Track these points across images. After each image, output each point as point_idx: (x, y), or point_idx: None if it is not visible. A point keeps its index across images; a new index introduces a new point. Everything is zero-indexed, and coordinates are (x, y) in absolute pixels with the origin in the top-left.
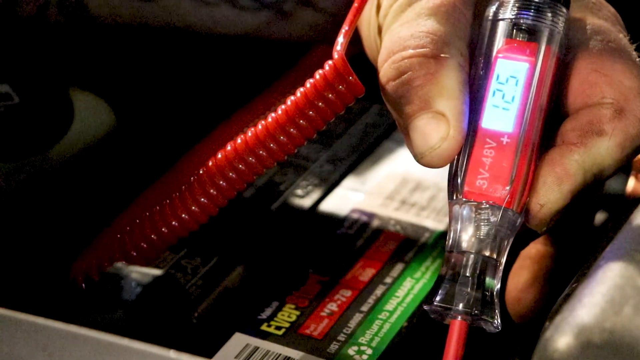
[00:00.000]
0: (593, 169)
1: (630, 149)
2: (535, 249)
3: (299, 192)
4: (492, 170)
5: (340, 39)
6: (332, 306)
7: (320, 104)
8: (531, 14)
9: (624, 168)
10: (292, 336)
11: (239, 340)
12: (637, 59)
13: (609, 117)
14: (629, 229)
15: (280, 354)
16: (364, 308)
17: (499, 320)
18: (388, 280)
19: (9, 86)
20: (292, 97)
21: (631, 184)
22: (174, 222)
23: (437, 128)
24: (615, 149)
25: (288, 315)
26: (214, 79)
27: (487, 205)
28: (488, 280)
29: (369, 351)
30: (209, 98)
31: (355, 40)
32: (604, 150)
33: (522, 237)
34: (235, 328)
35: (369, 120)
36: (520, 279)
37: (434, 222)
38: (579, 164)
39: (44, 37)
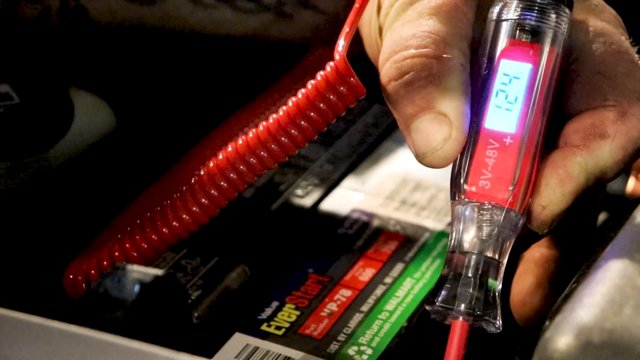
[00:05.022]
0: (595, 171)
1: (632, 152)
2: (539, 252)
3: (299, 192)
4: (495, 171)
5: (342, 41)
6: (332, 306)
7: (321, 105)
8: (535, 14)
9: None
10: (292, 336)
11: (239, 340)
12: (639, 62)
13: (612, 119)
14: (629, 229)
15: (280, 354)
16: (364, 308)
17: (501, 321)
18: (388, 280)
19: (9, 86)
20: (294, 98)
21: (631, 184)
22: (174, 223)
23: (439, 129)
24: (618, 152)
25: (288, 315)
26: (214, 80)
27: (490, 206)
28: (490, 281)
29: (369, 351)
30: (209, 99)
31: (355, 40)
32: (606, 152)
33: (524, 238)
34: (235, 328)
35: (369, 120)
36: (525, 283)
37: (434, 222)
38: (582, 166)
39: (44, 37)
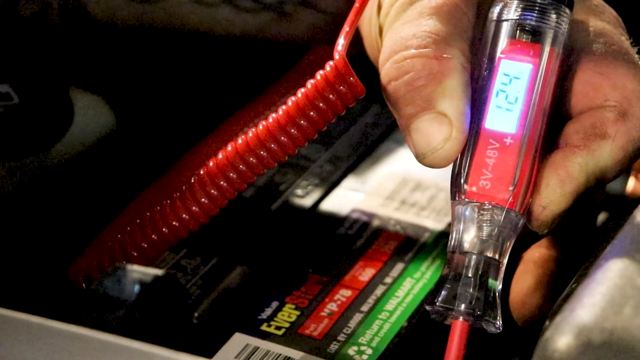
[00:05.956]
0: (596, 171)
1: (632, 152)
2: (538, 252)
3: (299, 192)
4: (495, 171)
5: (341, 40)
6: (332, 306)
7: (321, 104)
8: (535, 15)
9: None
10: (292, 336)
11: (239, 340)
12: (639, 62)
13: (612, 120)
14: (629, 229)
15: (280, 354)
16: (364, 308)
17: (501, 321)
18: (388, 280)
19: (9, 86)
20: (293, 98)
21: (631, 184)
22: (174, 222)
23: (439, 129)
24: (618, 152)
25: (288, 315)
26: (214, 79)
27: (490, 206)
28: (490, 281)
29: (369, 351)
30: (209, 98)
31: (355, 40)
32: (606, 153)
33: (524, 238)
34: (235, 328)
35: (369, 120)
36: (524, 283)
37: (434, 222)
38: (582, 166)
39: (44, 37)
